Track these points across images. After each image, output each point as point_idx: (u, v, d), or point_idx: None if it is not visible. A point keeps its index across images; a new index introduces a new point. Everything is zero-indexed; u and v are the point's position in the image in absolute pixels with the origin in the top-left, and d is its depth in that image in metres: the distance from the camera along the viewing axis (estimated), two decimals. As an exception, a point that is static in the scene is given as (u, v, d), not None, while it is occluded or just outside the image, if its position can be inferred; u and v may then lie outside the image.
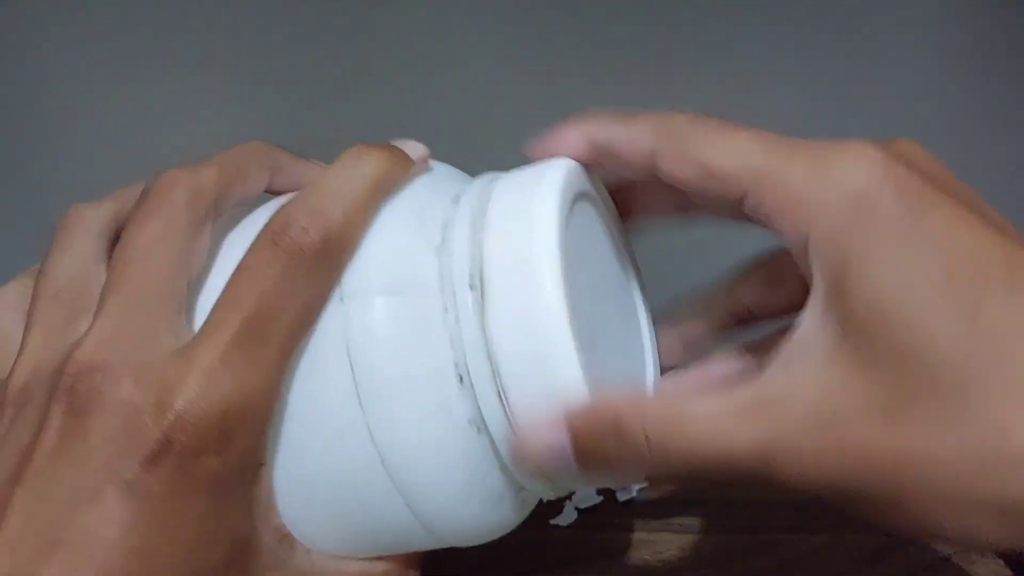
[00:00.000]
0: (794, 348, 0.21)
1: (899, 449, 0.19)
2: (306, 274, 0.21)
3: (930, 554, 0.33)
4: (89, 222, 0.24)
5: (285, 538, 0.23)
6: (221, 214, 0.23)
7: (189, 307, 0.22)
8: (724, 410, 0.21)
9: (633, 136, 0.24)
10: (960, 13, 0.38)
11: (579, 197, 0.24)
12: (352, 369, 0.22)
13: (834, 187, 0.21)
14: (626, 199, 0.28)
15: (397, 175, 0.24)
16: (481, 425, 0.22)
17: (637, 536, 0.34)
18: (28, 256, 0.42)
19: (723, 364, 0.27)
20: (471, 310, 0.22)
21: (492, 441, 0.22)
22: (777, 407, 0.21)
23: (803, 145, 0.22)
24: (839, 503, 0.21)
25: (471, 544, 0.25)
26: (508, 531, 0.25)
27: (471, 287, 0.22)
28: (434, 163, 0.26)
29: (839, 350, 0.20)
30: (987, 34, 0.39)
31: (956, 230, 0.20)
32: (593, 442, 0.22)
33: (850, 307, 0.20)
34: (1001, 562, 0.33)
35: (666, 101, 0.40)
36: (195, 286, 0.23)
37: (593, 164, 0.25)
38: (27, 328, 0.22)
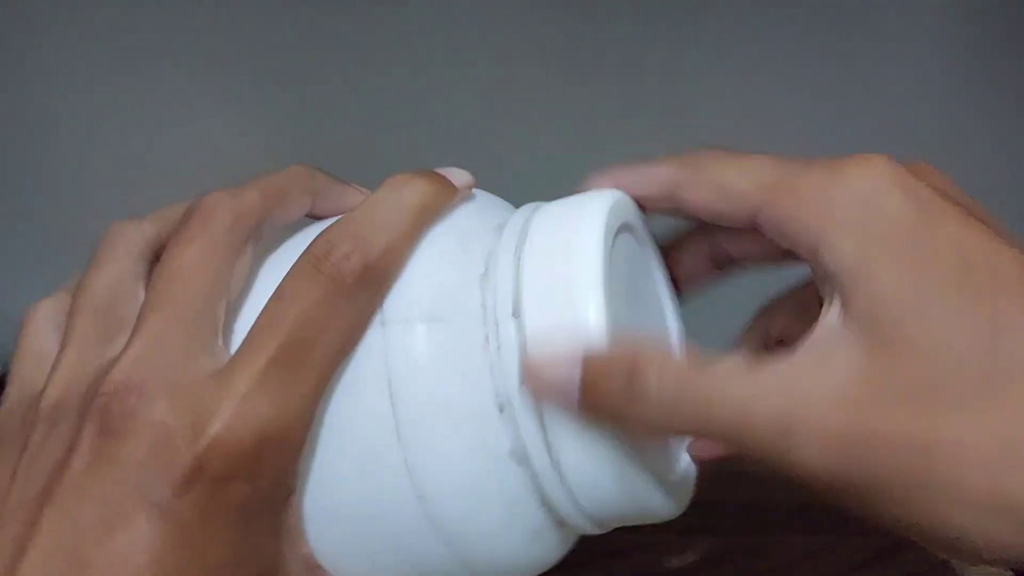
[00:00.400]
0: (818, 336, 0.21)
1: (928, 434, 0.19)
2: (346, 300, 0.21)
3: (929, 557, 0.33)
4: (131, 241, 0.24)
5: (314, 569, 0.23)
6: (262, 238, 0.23)
7: (227, 330, 0.22)
8: (747, 378, 0.20)
9: (656, 170, 0.25)
10: (961, 12, 0.38)
11: (623, 228, 0.24)
12: (391, 396, 0.21)
13: (845, 189, 0.21)
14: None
15: (441, 203, 0.23)
16: (522, 457, 0.22)
17: (638, 537, 0.34)
18: (28, 256, 0.42)
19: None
20: (513, 338, 0.21)
21: (533, 474, 0.22)
22: (802, 383, 0.20)
23: (815, 161, 0.22)
24: (850, 496, 0.20)
25: None
26: (547, 568, 0.24)
27: (513, 315, 0.22)
28: (477, 191, 0.25)
29: (863, 339, 0.20)
30: (988, 34, 0.39)
31: (968, 235, 0.20)
32: (602, 381, 0.21)
33: (870, 299, 0.20)
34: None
35: (670, 102, 0.40)
36: (234, 309, 0.22)
37: None
38: (63, 343, 0.22)
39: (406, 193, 0.23)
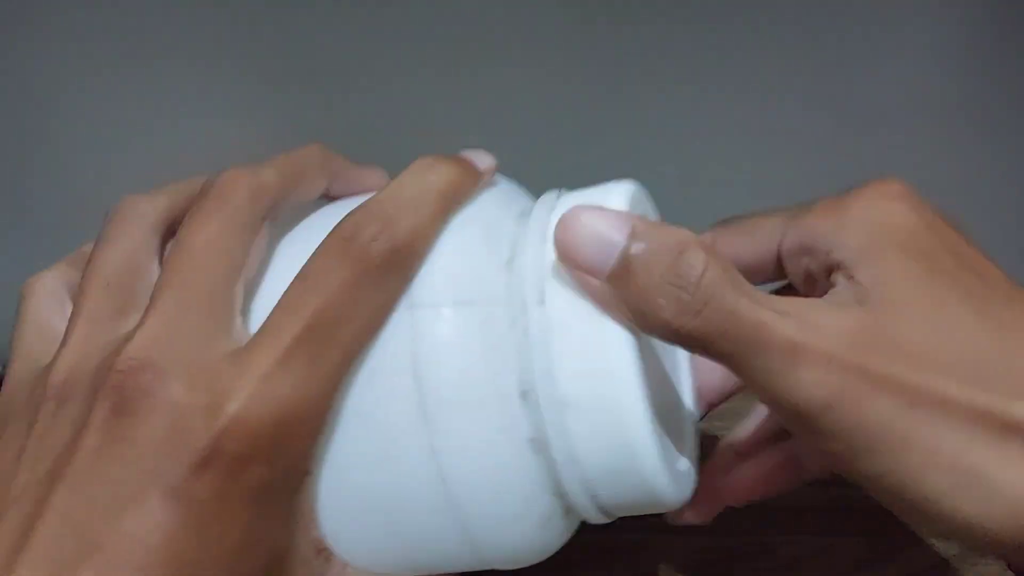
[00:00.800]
0: (828, 295, 0.22)
1: (916, 390, 0.20)
2: (373, 283, 0.21)
3: (928, 557, 0.33)
4: (143, 214, 0.23)
5: (322, 551, 0.22)
6: (279, 217, 0.23)
7: (244, 310, 0.22)
8: (769, 299, 0.21)
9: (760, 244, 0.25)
10: (962, 14, 0.38)
11: None
12: (417, 379, 0.21)
13: (857, 200, 0.23)
14: None
15: (466, 187, 0.23)
16: (541, 445, 0.22)
17: (637, 538, 0.34)
18: (27, 257, 0.42)
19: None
20: (539, 326, 0.22)
21: (551, 462, 0.22)
22: (816, 317, 0.21)
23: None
24: (834, 438, 0.20)
25: (510, 567, 0.24)
26: (548, 556, 0.24)
27: (540, 303, 0.22)
28: (498, 177, 0.25)
29: (870, 300, 0.21)
30: (989, 36, 0.39)
31: (964, 245, 0.22)
32: (649, 253, 0.21)
33: (878, 274, 0.21)
34: (1004, 564, 0.33)
35: (679, 101, 0.40)
36: (251, 290, 0.22)
37: None
38: (73, 317, 0.22)
39: (432, 176, 0.23)
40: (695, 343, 0.21)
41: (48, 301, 0.23)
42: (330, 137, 0.38)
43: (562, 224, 0.21)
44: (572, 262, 0.21)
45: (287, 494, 0.21)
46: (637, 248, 0.21)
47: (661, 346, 0.26)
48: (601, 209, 0.22)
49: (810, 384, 0.20)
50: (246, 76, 0.38)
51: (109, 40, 0.37)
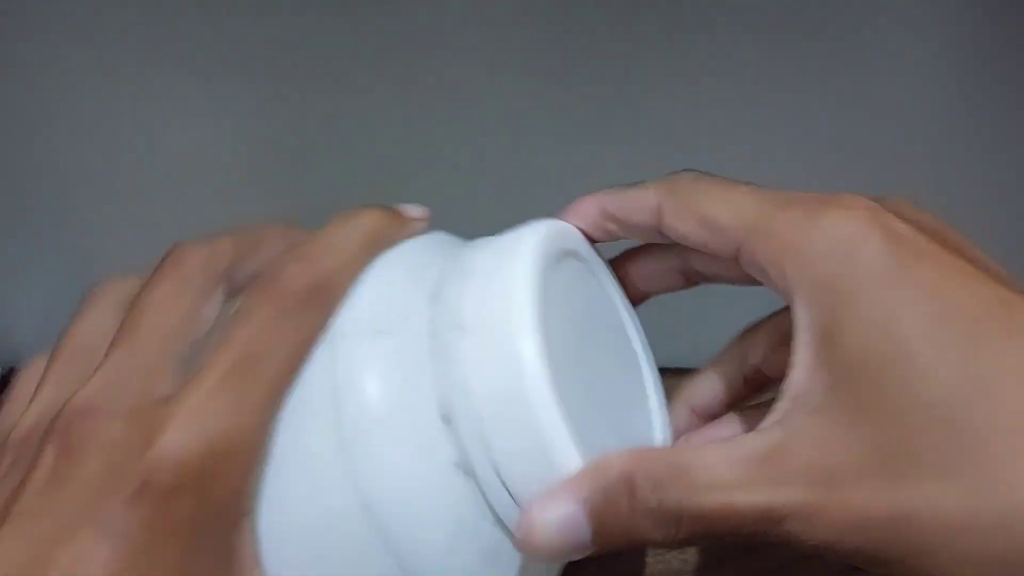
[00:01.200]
0: (787, 400, 0.21)
1: (899, 506, 0.19)
2: (295, 317, 0.22)
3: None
4: (113, 292, 0.25)
5: None
6: (235, 286, 0.24)
7: (197, 366, 0.22)
8: (724, 464, 0.21)
9: (640, 196, 0.25)
10: (962, 18, 0.38)
11: (566, 254, 0.25)
12: (336, 410, 0.21)
13: (822, 236, 0.21)
14: (628, 274, 0.28)
15: (392, 231, 0.24)
16: (468, 469, 0.22)
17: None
18: (26, 257, 0.42)
19: (730, 425, 0.27)
20: (456, 350, 0.22)
21: (480, 487, 0.22)
22: (775, 463, 0.21)
23: (797, 198, 0.22)
24: (847, 560, 0.21)
25: None
26: None
27: (457, 327, 0.22)
28: (436, 232, 0.26)
29: (830, 402, 0.20)
30: (989, 39, 0.39)
31: (945, 276, 0.20)
32: (608, 506, 0.21)
33: (839, 357, 0.21)
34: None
35: (666, 115, 0.40)
36: (202, 348, 0.23)
37: (604, 230, 0.26)
38: (40, 383, 0.23)
39: (356, 220, 0.24)
40: (697, 543, 0.21)
41: (33, 378, 0.24)
42: (326, 140, 0.39)
43: (523, 533, 0.21)
44: (558, 557, 0.22)
45: (222, 532, 0.21)
46: (598, 505, 0.21)
47: (617, 383, 0.26)
48: (546, 499, 0.21)
49: (801, 539, 0.21)
50: (244, 79, 0.38)
51: (109, 41, 0.37)
